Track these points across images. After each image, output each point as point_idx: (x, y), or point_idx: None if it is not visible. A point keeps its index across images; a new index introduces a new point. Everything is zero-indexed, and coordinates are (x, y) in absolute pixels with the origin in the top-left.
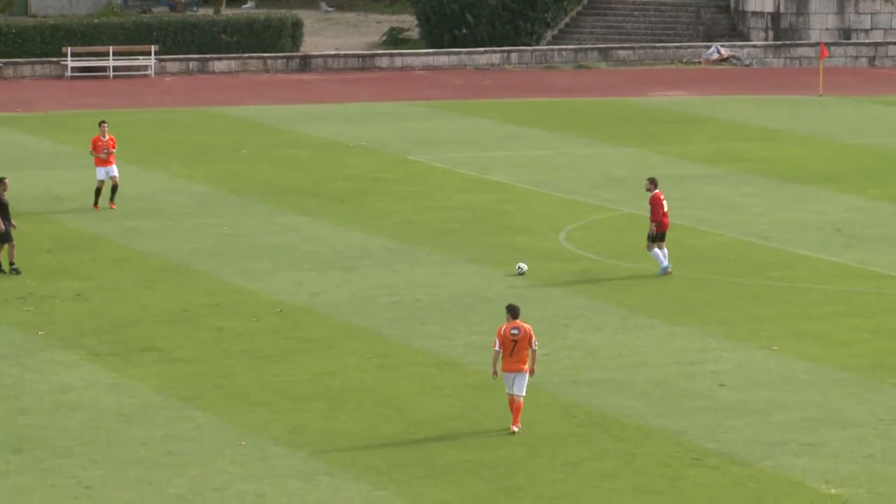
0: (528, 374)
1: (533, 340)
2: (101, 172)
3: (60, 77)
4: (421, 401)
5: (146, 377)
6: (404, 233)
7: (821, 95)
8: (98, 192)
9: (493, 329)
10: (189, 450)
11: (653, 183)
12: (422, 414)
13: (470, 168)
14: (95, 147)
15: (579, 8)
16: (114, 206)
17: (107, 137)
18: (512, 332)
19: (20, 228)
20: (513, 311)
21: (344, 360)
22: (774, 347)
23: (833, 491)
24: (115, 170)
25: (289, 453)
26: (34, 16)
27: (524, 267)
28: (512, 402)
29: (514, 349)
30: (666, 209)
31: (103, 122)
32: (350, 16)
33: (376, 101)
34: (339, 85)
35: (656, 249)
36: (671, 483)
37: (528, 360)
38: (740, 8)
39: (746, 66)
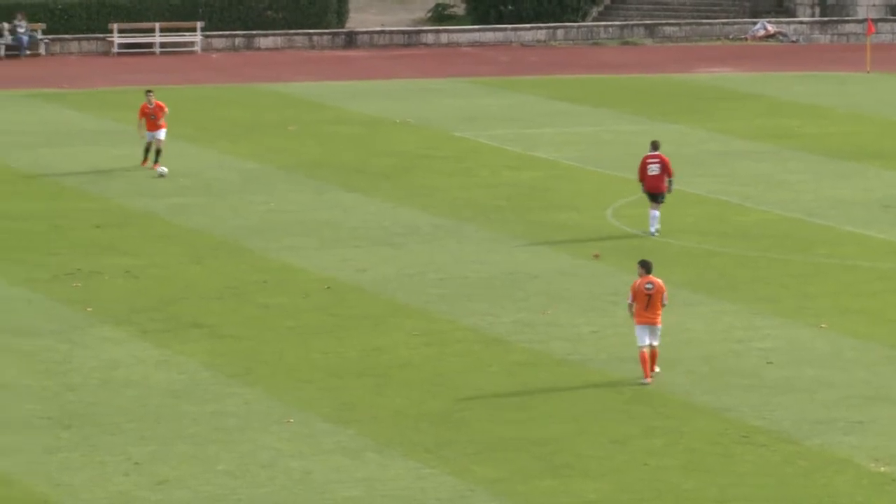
0: (659, 327)
1: (665, 295)
2: (149, 135)
3: (107, 53)
4: (468, 378)
5: (195, 353)
6: (451, 209)
7: (868, 72)
8: (146, 149)
9: (540, 306)
10: (237, 426)
11: (652, 144)
12: (469, 391)
13: (516, 145)
14: (143, 114)
15: None
16: (156, 168)
17: (153, 104)
18: (646, 286)
19: (68, 204)
20: (646, 266)
21: (391, 337)
22: (822, 325)
23: (882, 469)
24: (161, 133)
25: (336, 430)
26: None
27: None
28: (643, 355)
29: (648, 303)
30: (653, 172)
31: (150, 90)
32: None
33: (422, 77)
34: (384, 61)
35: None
36: (720, 460)
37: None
38: None
39: (793, 42)
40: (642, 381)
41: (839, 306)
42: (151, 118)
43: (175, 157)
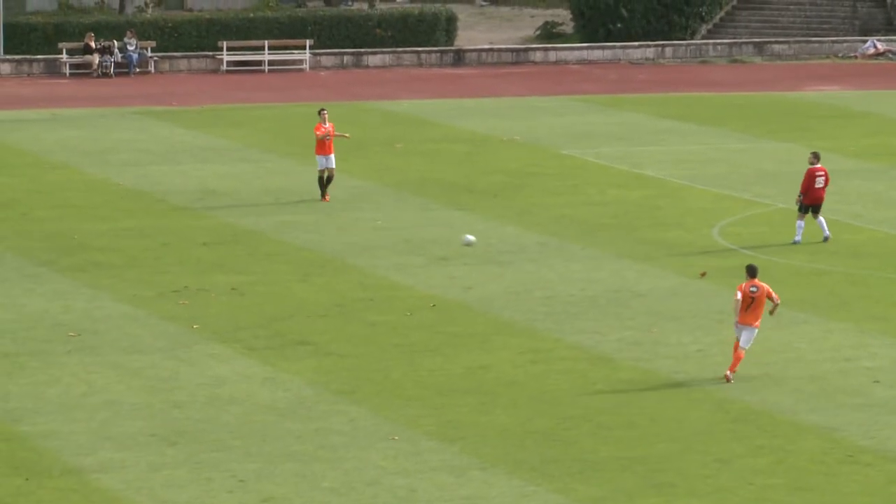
0: (756, 330)
1: (774, 297)
2: (321, 161)
3: (216, 71)
4: (574, 396)
5: (300, 371)
6: (558, 227)
7: None
8: (321, 181)
9: (646, 325)
10: (342, 444)
11: (814, 156)
12: (574, 409)
13: (623, 163)
14: (317, 135)
15: (734, 2)
16: (327, 199)
17: (328, 125)
18: (751, 289)
19: (176, 222)
20: (752, 271)
21: (497, 355)
22: None
23: None
24: (332, 160)
25: (441, 448)
26: (190, 10)
27: (470, 238)
28: (737, 345)
29: (751, 305)
30: (819, 185)
31: (323, 109)
32: (504, 10)
33: (530, 95)
34: (492, 79)
35: (799, 221)
36: (825, 480)
37: (763, 311)
38: None
39: None
40: (727, 376)
41: None
42: (325, 139)
43: (283, 174)
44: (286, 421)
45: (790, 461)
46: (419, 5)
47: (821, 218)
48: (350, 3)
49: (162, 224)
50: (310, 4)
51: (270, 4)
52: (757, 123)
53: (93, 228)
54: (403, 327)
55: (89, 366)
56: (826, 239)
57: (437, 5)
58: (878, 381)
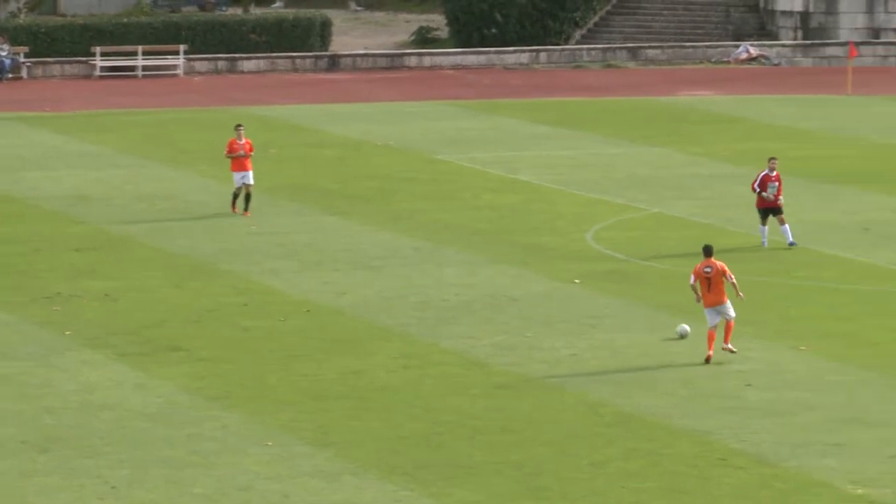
0: (728, 304)
1: (728, 274)
2: (237, 178)
3: (89, 76)
4: (447, 401)
5: (173, 377)
6: (432, 233)
7: (849, 95)
8: (235, 196)
9: (520, 329)
10: (215, 449)
11: (771, 162)
12: (448, 414)
13: (498, 168)
14: (231, 149)
15: (608, 7)
16: (248, 215)
17: (243, 140)
18: (705, 269)
19: (48, 228)
20: (706, 251)
21: (370, 360)
22: (802, 347)
23: (859, 491)
24: (251, 177)
25: (314, 453)
26: (63, 15)
27: (685, 329)
28: (711, 334)
29: (710, 285)
30: (769, 190)
31: (240, 125)
32: (379, 15)
33: (405, 100)
34: (367, 84)
35: (761, 226)
36: (698, 483)
37: (726, 291)
38: (769, 7)
39: (775, 65)
40: (707, 358)
41: (819, 329)
42: (240, 156)
43: (156, 180)
44: (158, 427)
45: (663, 465)
46: (294, 10)
47: (786, 226)
48: (224, 8)
49: (34, 230)
50: (184, 10)
51: (144, 10)
52: (630, 128)
53: None
54: (277, 332)
55: None
56: (791, 245)
57: (312, 10)
58: (750, 385)
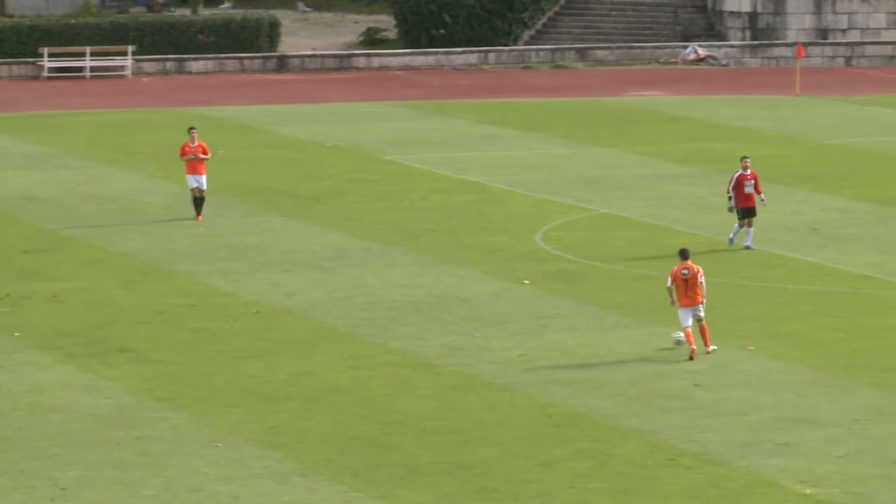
0: (702, 306)
1: (699, 278)
2: (191, 181)
3: (37, 77)
4: (396, 401)
5: (121, 378)
6: (380, 233)
7: (797, 95)
8: (195, 200)
9: (469, 330)
10: (164, 451)
11: (744, 161)
12: (397, 415)
13: (447, 168)
14: (184, 152)
15: (557, 8)
16: (200, 219)
17: (196, 143)
18: (682, 272)
19: None
20: (683, 254)
21: (319, 361)
22: (750, 347)
23: (808, 491)
24: (204, 180)
25: (264, 454)
26: (10, 16)
27: (679, 336)
28: (688, 334)
29: (686, 287)
30: (748, 190)
31: (192, 127)
32: (327, 16)
33: (353, 101)
34: (315, 85)
35: (737, 225)
36: (646, 483)
37: (700, 294)
38: (717, 8)
39: (723, 66)
40: (690, 354)
41: (767, 329)
42: (192, 159)
43: (104, 181)
44: (107, 428)
45: (612, 465)
46: (242, 11)
47: (751, 228)
48: (172, 9)
49: None
50: (132, 10)
51: (92, 11)
52: (579, 129)
53: None
54: (226, 334)
55: None
56: (748, 247)
57: (260, 11)
58: (698, 385)
